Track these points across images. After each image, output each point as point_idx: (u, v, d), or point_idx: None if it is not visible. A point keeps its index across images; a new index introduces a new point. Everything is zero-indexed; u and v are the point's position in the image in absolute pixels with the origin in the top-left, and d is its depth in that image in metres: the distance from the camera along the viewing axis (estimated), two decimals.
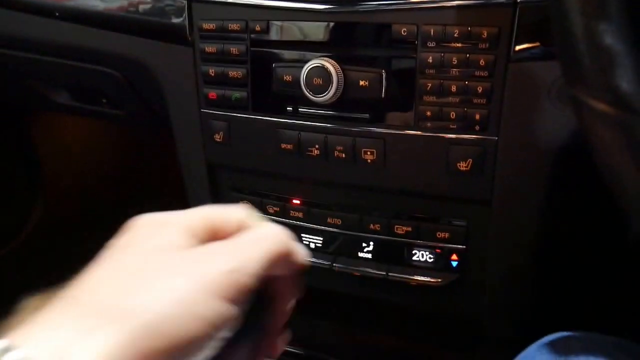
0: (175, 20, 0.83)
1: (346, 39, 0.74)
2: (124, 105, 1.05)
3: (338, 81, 0.72)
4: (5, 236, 1.50)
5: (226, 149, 0.86)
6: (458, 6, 0.68)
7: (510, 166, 0.72)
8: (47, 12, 0.94)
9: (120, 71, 0.95)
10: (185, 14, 0.82)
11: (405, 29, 0.70)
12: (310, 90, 0.74)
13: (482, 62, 0.68)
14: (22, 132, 1.50)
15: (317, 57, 0.74)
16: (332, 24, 0.74)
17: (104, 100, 1.06)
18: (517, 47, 0.67)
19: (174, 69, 0.86)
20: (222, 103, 0.83)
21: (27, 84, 1.16)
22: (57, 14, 0.93)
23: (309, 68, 0.73)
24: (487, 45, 0.67)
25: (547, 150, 0.71)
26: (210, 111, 0.85)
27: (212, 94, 0.83)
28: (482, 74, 0.68)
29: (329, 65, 0.72)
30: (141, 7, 0.86)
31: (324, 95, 0.73)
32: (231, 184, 0.92)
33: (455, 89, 0.70)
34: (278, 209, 0.88)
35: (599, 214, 0.90)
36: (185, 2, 0.81)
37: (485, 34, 0.67)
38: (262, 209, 0.89)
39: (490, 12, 0.67)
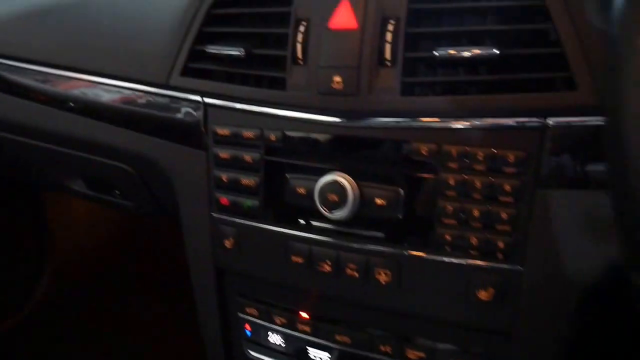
0: (190, 123, 0.81)
1: (363, 154, 0.71)
2: (135, 198, 1.04)
3: (354, 198, 0.69)
4: (9, 309, 1.48)
5: (235, 256, 0.83)
6: (482, 128, 0.64)
7: (534, 298, 0.67)
8: (61, 101, 0.94)
9: (132, 166, 0.94)
10: (201, 118, 0.80)
11: (425, 148, 0.67)
12: (324, 206, 0.71)
13: (507, 187, 0.64)
14: (36, 206, 1.50)
15: (332, 172, 0.71)
16: (348, 138, 0.71)
17: (116, 192, 1.04)
18: (546, 173, 0.63)
19: (187, 171, 0.84)
20: (234, 209, 0.80)
21: (43, 170, 1.16)
22: (71, 104, 0.93)
23: (323, 183, 0.70)
24: (513, 169, 0.64)
25: (575, 283, 0.66)
26: (221, 216, 0.82)
27: (224, 199, 0.80)
28: (507, 199, 0.65)
29: (345, 181, 0.69)
30: (157, 107, 0.85)
31: (339, 212, 0.70)
32: (239, 289, 0.88)
33: (477, 213, 0.66)
34: (285, 321, 0.84)
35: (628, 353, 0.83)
36: (201, 107, 0.80)
37: (512, 158, 0.64)
38: (269, 318, 0.85)
39: (517, 135, 0.64)
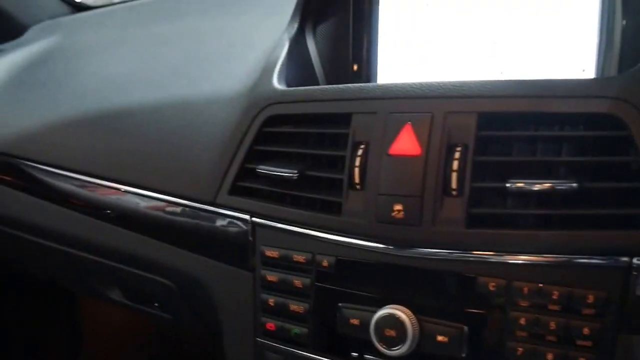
0: (236, 243, 0.78)
1: (423, 287, 0.66)
2: (175, 312, 1.00)
3: (413, 335, 0.64)
4: None
5: None
6: (558, 265, 0.60)
7: None
8: (101, 212, 0.94)
9: (173, 282, 0.91)
10: (248, 238, 0.76)
11: (493, 284, 0.62)
12: (380, 342, 0.66)
13: (585, 331, 0.59)
14: (71, 308, 1.47)
15: (389, 304, 0.66)
16: (408, 269, 0.66)
17: (156, 304, 1.01)
18: (630, 317, 0.58)
19: (231, 292, 0.80)
20: (280, 336, 0.76)
21: (79, 277, 1.14)
22: (112, 215, 0.91)
23: (380, 316, 0.66)
24: (592, 311, 0.59)
25: None
26: (266, 342, 0.78)
27: (270, 324, 0.76)
28: (585, 343, 0.59)
29: (403, 315, 0.65)
30: (202, 225, 0.82)
31: (397, 350, 0.65)
32: None
33: (551, 357, 0.60)
34: None
35: None
36: (249, 226, 0.76)
37: (591, 299, 0.59)
38: None
39: (598, 274, 0.59)
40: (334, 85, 0.70)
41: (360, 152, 0.67)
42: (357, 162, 0.67)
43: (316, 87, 0.72)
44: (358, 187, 0.67)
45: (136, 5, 1.39)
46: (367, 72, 0.81)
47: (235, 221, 0.79)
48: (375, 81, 0.81)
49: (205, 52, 0.99)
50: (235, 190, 0.78)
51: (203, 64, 0.95)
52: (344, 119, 0.69)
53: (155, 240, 0.89)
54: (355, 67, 0.82)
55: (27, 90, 1.22)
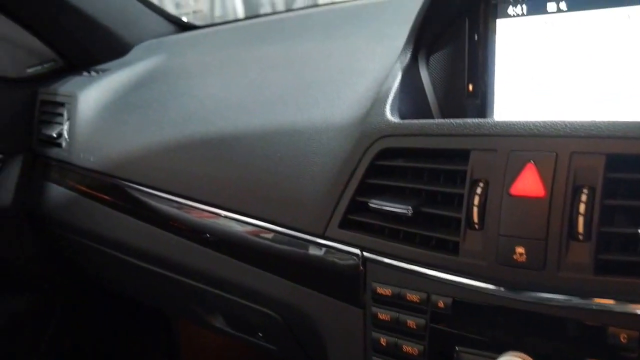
0: (346, 278, 0.78)
1: (546, 335, 0.65)
2: (279, 343, 1.01)
3: None
4: None
5: None
6: None
7: None
8: (205, 238, 0.96)
9: (278, 313, 0.91)
10: (359, 273, 0.77)
11: (624, 335, 0.59)
12: None
13: None
14: (169, 329, 1.51)
15: (510, 351, 0.65)
16: (530, 314, 0.64)
17: (259, 334, 1.02)
18: None
19: (340, 328, 0.81)
20: None
21: (186, 304, 1.17)
22: (217, 243, 0.93)
23: None
24: None
25: None
26: None
27: None
28: None
29: None
30: (310, 257, 0.82)
31: None
32: None
33: None
34: None
35: None
36: (360, 261, 0.77)
37: None
38: None
39: None
40: (451, 120, 0.69)
41: (479, 190, 0.66)
42: (476, 200, 0.66)
43: (432, 120, 0.71)
44: (477, 226, 0.66)
45: (240, 27, 1.43)
46: (482, 104, 0.80)
47: (345, 255, 0.79)
48: (492, 114, 0.79)
49: (313, 77, 0.99)
50: (345, 224, 0.79)
51: (311, 90, 0.96)
52: (462, 155, 0.68)
53: (261, 271, 0.90)
54: (470, 99, 0.81)
55: (132, 111, 1.27)
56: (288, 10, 1.54)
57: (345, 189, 0.78)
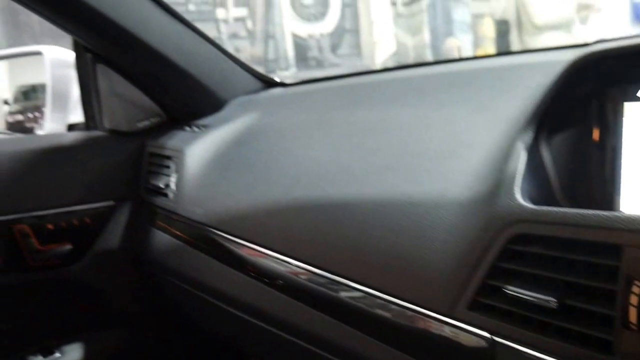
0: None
1: None
2: None
3: None
4: None
5: None
6: None
7: None
8: (311, 297, 0.89)
9: None
10: (487, 358, 0.66)
11: None
12: None
13: None
14: None
15: None
16: None
17: None
18: None
19: None
20: None
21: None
22: (321, 302, 0.85)
23: None
24: None
25: None
26: None
27: None
28: None
29: None
30: (432, 334, 0.72)
31: None
32: None
33: None
34: None
35: None
36: (489, 346, 0.66)
37: None
38: None
39: None
40: (600, 213, 0.59)
41: (636, 289, 0.56)
42: (633, 300, 0.56)
43: (575, 210, 0.61)
44: (634, 327, 0.56)
45: (334, 88, 1.35)
46: (610, 191, 0.69)
47: (473, 338, 0.68)
48: (619, 203, 0.68)
49: (418, 146, 0.90)
50: (475, 306, 0.69)
51: (419, 160, 0.87)
52: (611, 249, 0.58)
53: (373, 339, 0.81)
54: (597, 186, 0.71)
55: (236, 168, 1.21)
56: (371, 71, 1.46)
57: (475, 270, 0.68)
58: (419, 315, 0.75)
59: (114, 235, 1.47)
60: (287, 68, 9.19)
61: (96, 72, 1.46)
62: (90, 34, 1.33)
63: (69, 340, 1.51)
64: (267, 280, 1.02)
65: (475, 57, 1.33)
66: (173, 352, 1.65)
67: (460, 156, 0.82)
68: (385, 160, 0.92)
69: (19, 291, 1.45)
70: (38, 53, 1.80)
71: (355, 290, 0.84)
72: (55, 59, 1.79)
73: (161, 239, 1.38)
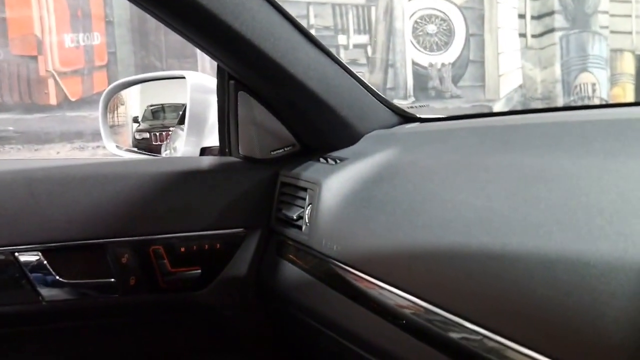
0: None
1: None
2: None
3: None
4: None
5: None
6: None
7: None
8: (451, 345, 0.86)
9: None
10: None
11: None
12: None
13: None
14: None
15: None
16: None
17: None
18: None
19: None
20: None
21: None
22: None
23: None
24: None
25: None
26: None
27: None
28: None
29: None
30: None
31: None
32: None
33: None
34: None
35: None
36: None
37: None
38: None
39: None
40: None
41: None
42: None
43: None
44: None
45: (480, 128, 1.32)
46: None
47: None
48: None
49: (589, 199, 0.85)
50: None
51: (591, 216, 0.82)
52: None
53: None
54: None
55: (377, 206, 1.20)
56: (518, 111, 1.42)
57: None
58: None
59: (242, 263, 1.52)
60: (405, 97, 9.23)
61: (237, 99, 1.52)
62: (239, 63, 1.40)
63: None
64: (404, 326, 1.00)
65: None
66: None
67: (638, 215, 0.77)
68: (550, 213, 0.88)
69: (146, 312, 1.53)
70: (181, 77, 1.93)
71: (512, 350, 0.81)
72: (196, 84, 1.91)
73: (289, 270, 1.40)
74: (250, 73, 1.43)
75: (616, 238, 0.76)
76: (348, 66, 1.55)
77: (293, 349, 1.60)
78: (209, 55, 1.39)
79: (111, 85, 2.39)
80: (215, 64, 1.52)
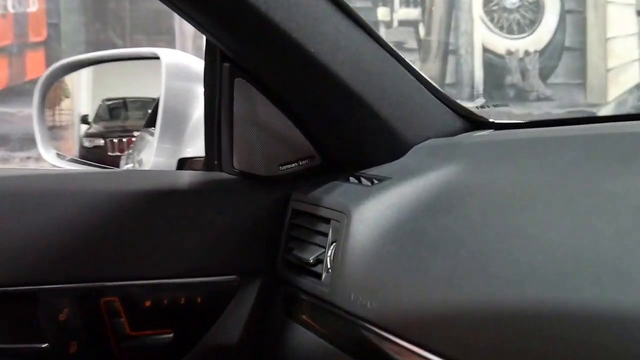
0: None
1: None
2: None
3: None
4: None
5: None
6: None
7: None
8: None
9: None
10: None
11: None
12: None
13: None
14: None
15: None
16: None
17: None
18: None
19: None
20: None
21: None
22: None
23: None
24: None
25: None
26: None
27: None
28: None
29: None
30: None
31: None
32: None
33: None
34: None
35: None
36: None
37: None
38: None
39: None
40: None
41: None
42: None
43: None
44: None
45: (578, 137, 1.31)
46: None
47: None
48: None
49: None
50: None
51: None
52: None
53: None
54: None
55: (429, 246, 1.20)
56: (626, 116, 1.42)
57: None
58: None
59: (234, 325, 1.51)
60: (471, 97, 9.23)
61: (233, 89, 1.51)
62: (237, 37, 1.39)
63: None
64: None
65: None
66: None
67: None
68: None
69: None
70: (153, 57, 1.94)
71: None
72: (175, 66, 1.91)
73: (302, 336, 1.40)
74: (253, 51, 1.43)
75: None
76: (394, 48, 1.55)
77: None
78: (193, 25, 1.39)
79: (51, 68, 2.40)
80: (202, 39, 1.53)
